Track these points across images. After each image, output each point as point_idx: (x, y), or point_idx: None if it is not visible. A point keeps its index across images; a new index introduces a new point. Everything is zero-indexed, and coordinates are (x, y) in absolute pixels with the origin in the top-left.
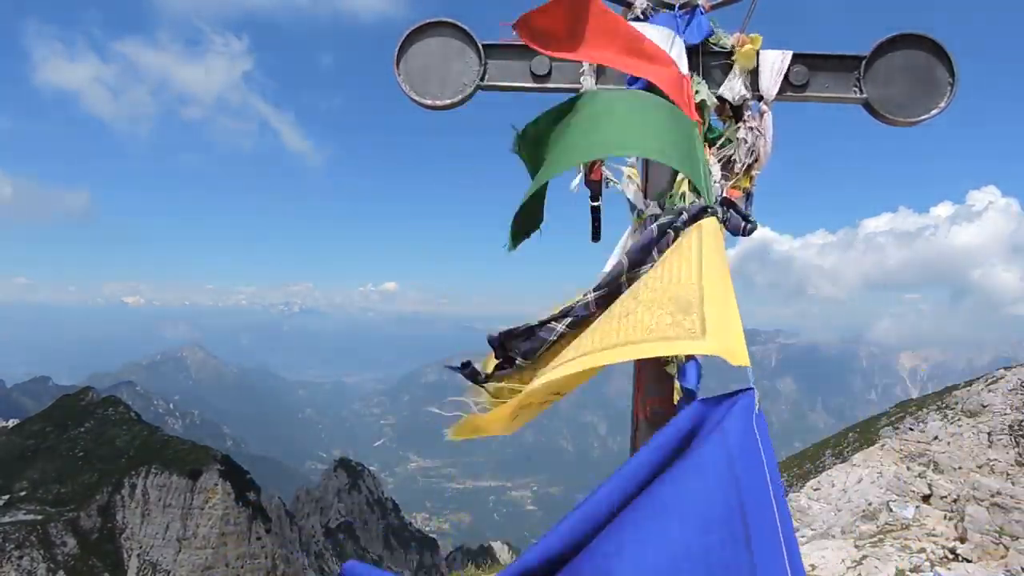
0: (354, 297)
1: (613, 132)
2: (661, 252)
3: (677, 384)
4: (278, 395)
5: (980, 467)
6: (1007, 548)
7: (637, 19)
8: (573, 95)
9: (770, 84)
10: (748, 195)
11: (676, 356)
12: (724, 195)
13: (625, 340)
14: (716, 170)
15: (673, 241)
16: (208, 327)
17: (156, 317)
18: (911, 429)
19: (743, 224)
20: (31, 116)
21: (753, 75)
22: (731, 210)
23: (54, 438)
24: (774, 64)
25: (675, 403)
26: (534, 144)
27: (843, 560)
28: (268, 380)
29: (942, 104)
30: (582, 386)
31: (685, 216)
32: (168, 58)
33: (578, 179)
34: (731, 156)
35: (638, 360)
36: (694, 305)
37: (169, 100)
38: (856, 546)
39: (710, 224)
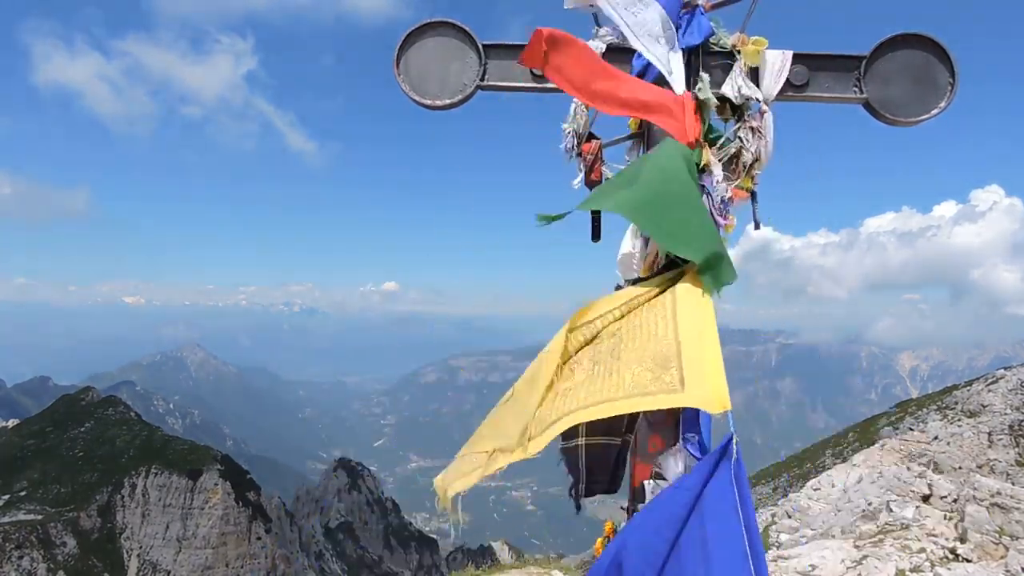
0: (354, 297)
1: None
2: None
3: None
4: (278, 395)
5: (980, 467)
6: (1007, 548)
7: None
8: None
9: (771, 84)
10: (752, 195)
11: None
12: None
13: (606, 398)
14: (718, 170)
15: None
16: (208, 327)
17: (156, 317)
18: (911, 429)
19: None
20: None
21: (754, 75)
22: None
23: (54, 438)
24: (775, 64)
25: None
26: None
27: (843, 560)
28: (268, 380)
29: (942, 104)
30: None
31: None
32: (170, 57)
33: (578, 180)
34: (732, 156)
35: None
36: (672, 359)
37: (171, 99)
38: (856, 546)
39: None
